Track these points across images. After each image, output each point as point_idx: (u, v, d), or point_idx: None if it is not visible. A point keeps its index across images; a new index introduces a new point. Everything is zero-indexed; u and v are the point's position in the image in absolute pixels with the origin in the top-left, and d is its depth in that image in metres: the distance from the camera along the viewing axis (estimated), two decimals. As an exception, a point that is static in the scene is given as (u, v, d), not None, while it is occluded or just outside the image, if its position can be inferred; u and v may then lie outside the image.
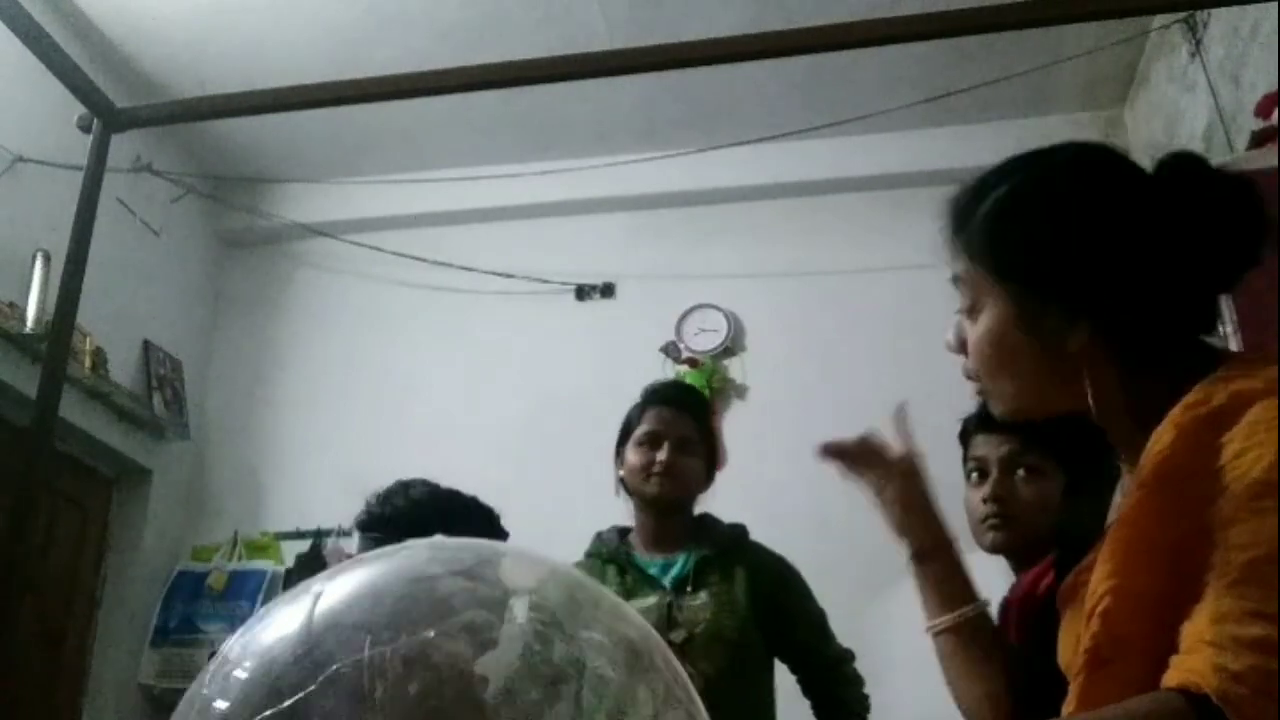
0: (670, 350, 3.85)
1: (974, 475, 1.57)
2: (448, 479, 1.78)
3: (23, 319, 3.07)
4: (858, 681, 2.00)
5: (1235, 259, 0.87)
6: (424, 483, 1.76)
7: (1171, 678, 0.69)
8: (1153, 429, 0.84)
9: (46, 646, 3.37)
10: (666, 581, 1.92)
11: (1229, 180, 0.88)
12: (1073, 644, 0.85)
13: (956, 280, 0.96)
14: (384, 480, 1.83)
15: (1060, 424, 1.51)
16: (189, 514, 3.92)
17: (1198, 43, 2.99)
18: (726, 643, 1.85)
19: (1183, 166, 0.89)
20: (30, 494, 1.70)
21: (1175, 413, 0.80)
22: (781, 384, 3.74)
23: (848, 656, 2.02)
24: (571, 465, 3.61)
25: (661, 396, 2.06)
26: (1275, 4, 1.92)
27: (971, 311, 0.94)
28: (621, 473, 2.02)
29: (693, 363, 3.81)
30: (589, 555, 2.02)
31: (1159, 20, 3.24)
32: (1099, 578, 0.79)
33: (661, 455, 1.94)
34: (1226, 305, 1.79)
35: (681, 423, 1.99)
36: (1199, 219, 0.86)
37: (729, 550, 1.97)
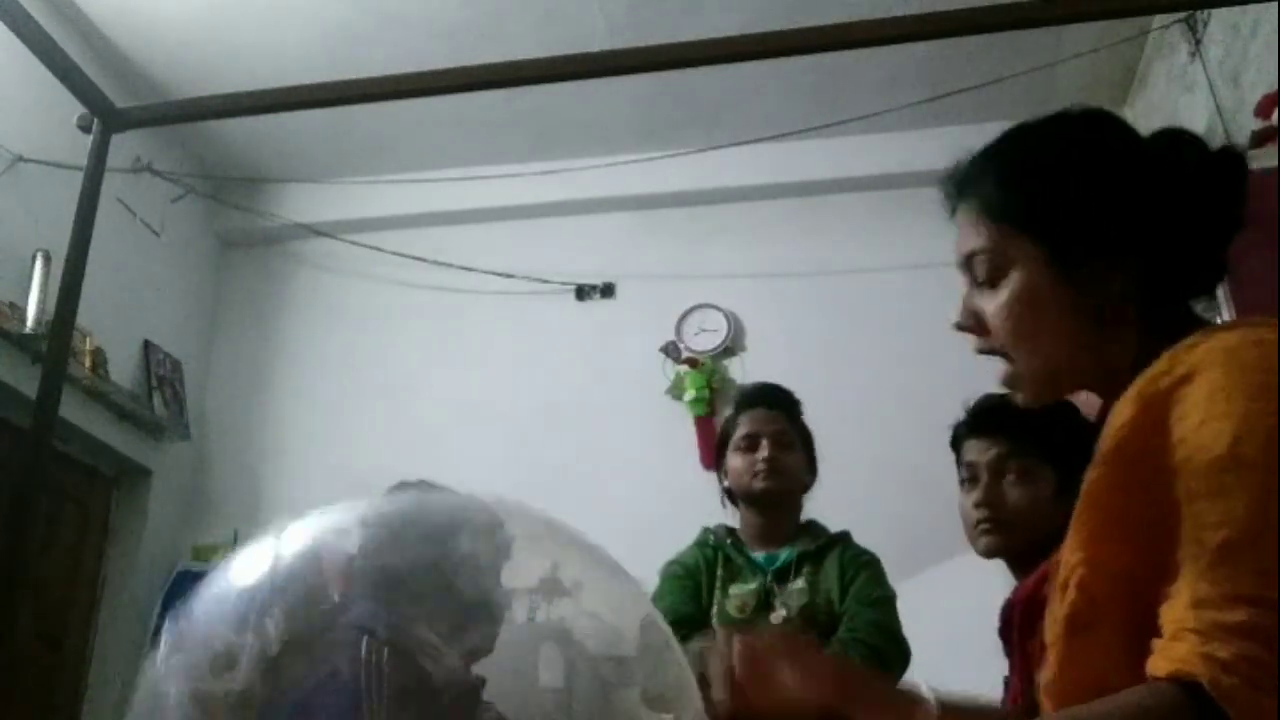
0: (670, 350, 3.85)
1: (965, 481, 1.57)
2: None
3: (23, 319, 3.07)
4: (868, 643, 1.85)
5: (1225, 222, 0.89)
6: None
7: (1160, 666, 0.69)
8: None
9: (46, 646, 3.37)
10: (769, 570, 1.99)
11: (1218, 151, 0.90)
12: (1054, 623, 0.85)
13: (970, 257, 0.92)
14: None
15: (1049, 423, 1.51)
16: (189, 514, 3.92)
17: (1198, 43, 2.99)
18: (819, 626, 1.91)
19: (1176, 135, 0.91)
20: (30, 494, 1.71)
21: (1138, 384, 0.80)
22: (781, 384, 3.73)
23: (882, 629, 1.90)
24: (572, 465, 3.61)
25: (754, 399, 2.13)
26: (1275, 4, 1.92)
27: (993, 281, 0.90)
28: (726, 483, 2.08)
29: (693, 363, 3.81)
30: (696, 545, 2.08)
31: (1159, 20, 3.24)
32: (1069, 551, 0.79)
33: (763, 454, 2.00)
34: (1225, 299, 1.79)
35: (776, 420, 2.06)
36: (1196, 181, 0.87)
37: (826, 546, 2.03)
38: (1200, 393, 0.75)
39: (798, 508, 2.09)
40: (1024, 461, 1.51)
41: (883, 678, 1.29)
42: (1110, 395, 0.88)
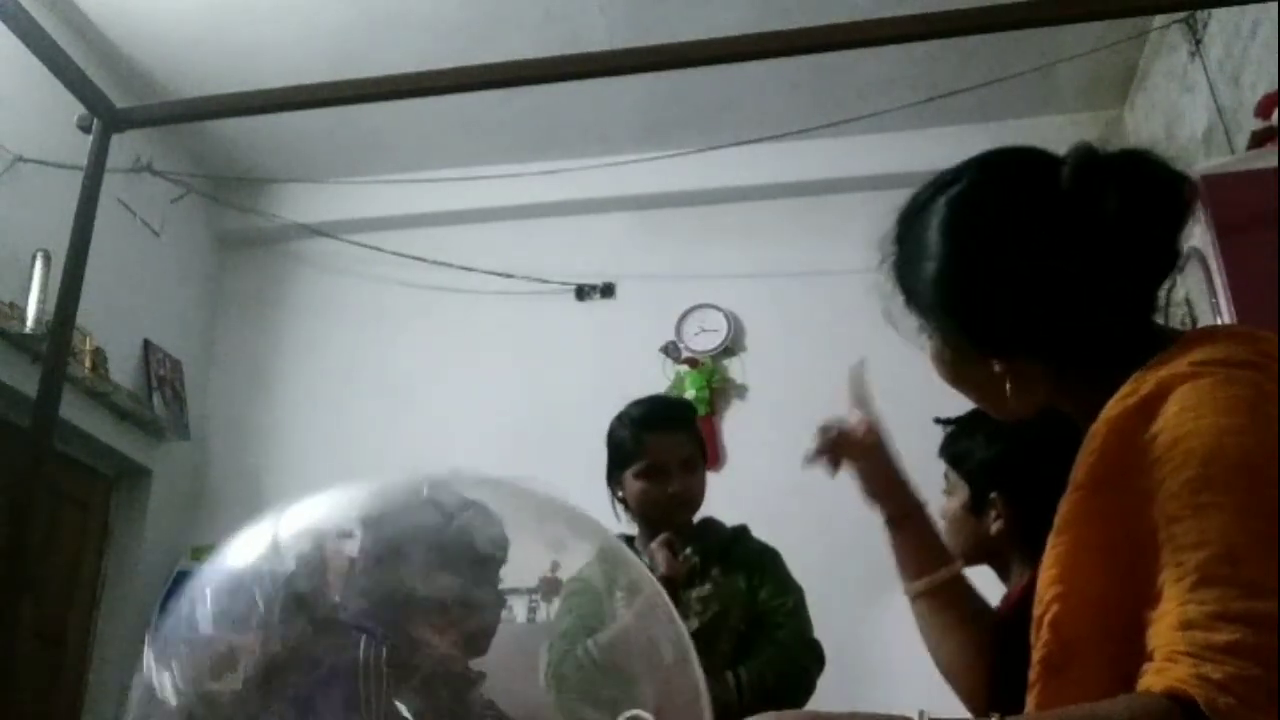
0: (670, 350, 3.85)
1: None
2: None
3: (23, 319, 3.06)
4: (790, 651, 1.90)
5: (1158, 238, 0.85)
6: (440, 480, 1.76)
7: (1155, 683, 0.69)
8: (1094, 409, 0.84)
9: (46, 646, 3.37)
10: None
11: (1125, 161, 0.85)
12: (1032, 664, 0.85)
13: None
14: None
15: (969, 439, 1.55)
16: (189, 514, 3.92)
17: (1198, 43, 2.99)
18: (733, 630, 1.89)
19: (1078, 164, 0.86)
20: (30, 494, 1.70)
21: (1108, 407, 0.79)
22: (781, 384, 3.74)
23: (800, 639, 1.93)
24: (572, 465, 3.60)
25: (656, 421, 2.02)
26: (1275, 4, 1.92)
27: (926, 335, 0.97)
28: (621, 494, 2.01)
29: (693, 363, 3.81)
30: (596, 559, 2.02)
31: (1159, 20, 3.23)
32: (1044, 584, 0.79)
33: (673, 487, 1.94)
34: (1221, 284, 1.79)
35: (681, 443, 1.99)
36: (1106, 216, 0.83)
37: (728, 546, 2.00)
38: (1169, 412, 0.74)
39: None
40: (949, 476, 1.55)
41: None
42: (1078, 416, 0.90)
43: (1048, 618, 0.77)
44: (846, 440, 1.24)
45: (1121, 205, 0.83)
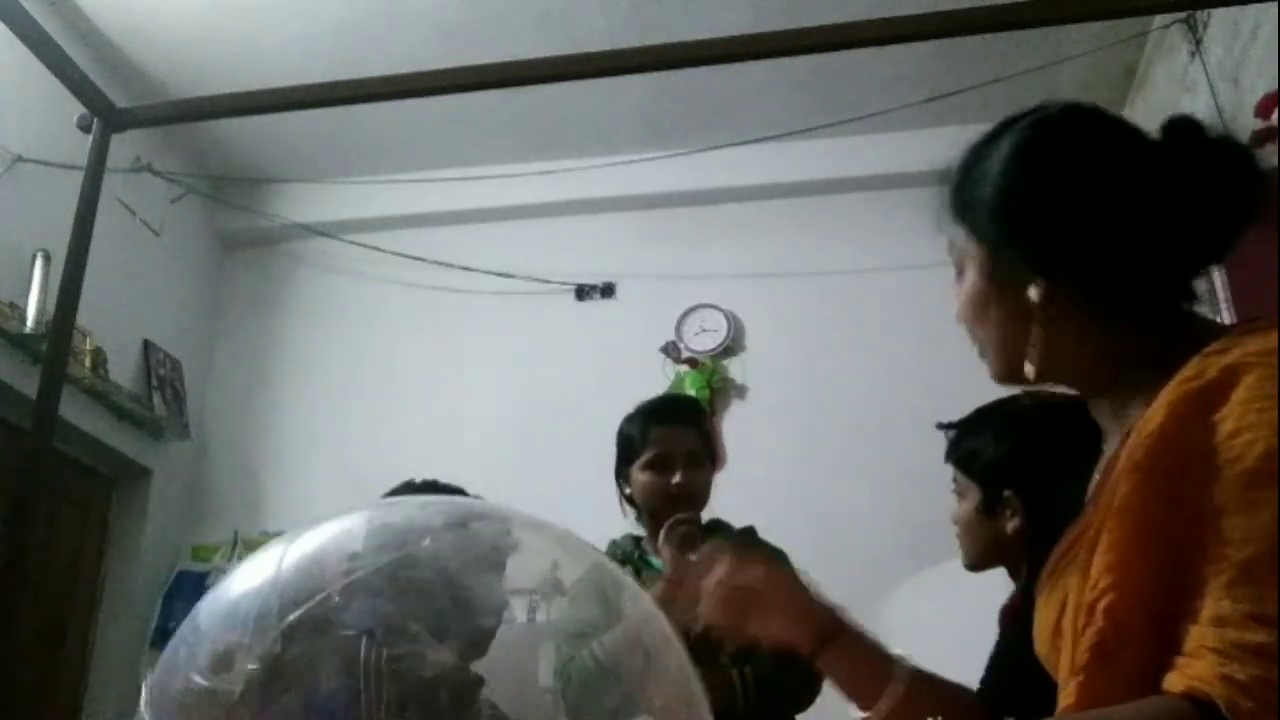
0: (670, 350, 3.85)
1: None
2: (448, 479, 1.78)
3: (23, 319, 3.07)
4: (795, 671, 1.85)
5: (1222, 223, 0.85)
6: (432, 484, 1.76)
7: (1176, 682, 0.68)
8: (1130, 394, 0.84)
9: (47, 647, 3.37)
10: None
11: (1224, 144, 0.86)
12: (1048, 628, 0.83)
13: (951, 247, 0.97)
14: (383, 480, 1.83)
15: (976, 442, 1.54)
16: (189, 514, 3.92)
17: (1198, 43, 2.99)
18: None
19: (1180, 129, 0.87)
20: (30, 494, 1.71)
21: (1168, 389, 0.77)
22: (781, 384, 3.74)
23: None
24: (572, 465, 3.61)
25: (664, 414, 2.04)
26: (1275, 4, 1.92)
27: (960, 275, 0.95)
28: (629, 491, 2.02)
29: (693, 363, 3.81)
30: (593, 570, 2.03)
31: (1159, 20, 3.24)
32: (1100, 569, 0.76)
33: (677, 478, 1.94)
34: (1221, 285, 1.80)
35: (688, 438, 1.99)
36: (1187, 181, 0.83)
37: (736, 547, 1.99)
38: (1235, 400, 0.73)
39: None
40: (958, 479, 1.54)
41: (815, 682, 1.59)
42: (1079, 388, 0.90)
43: (1103, 604, 0.75)
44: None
45: (1206, 177, 0.83)
